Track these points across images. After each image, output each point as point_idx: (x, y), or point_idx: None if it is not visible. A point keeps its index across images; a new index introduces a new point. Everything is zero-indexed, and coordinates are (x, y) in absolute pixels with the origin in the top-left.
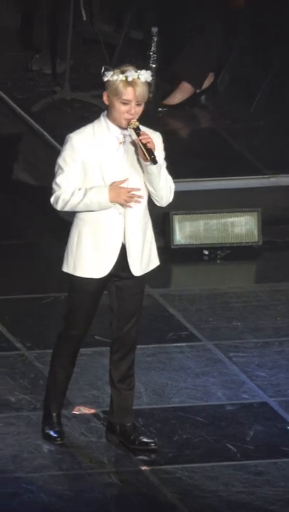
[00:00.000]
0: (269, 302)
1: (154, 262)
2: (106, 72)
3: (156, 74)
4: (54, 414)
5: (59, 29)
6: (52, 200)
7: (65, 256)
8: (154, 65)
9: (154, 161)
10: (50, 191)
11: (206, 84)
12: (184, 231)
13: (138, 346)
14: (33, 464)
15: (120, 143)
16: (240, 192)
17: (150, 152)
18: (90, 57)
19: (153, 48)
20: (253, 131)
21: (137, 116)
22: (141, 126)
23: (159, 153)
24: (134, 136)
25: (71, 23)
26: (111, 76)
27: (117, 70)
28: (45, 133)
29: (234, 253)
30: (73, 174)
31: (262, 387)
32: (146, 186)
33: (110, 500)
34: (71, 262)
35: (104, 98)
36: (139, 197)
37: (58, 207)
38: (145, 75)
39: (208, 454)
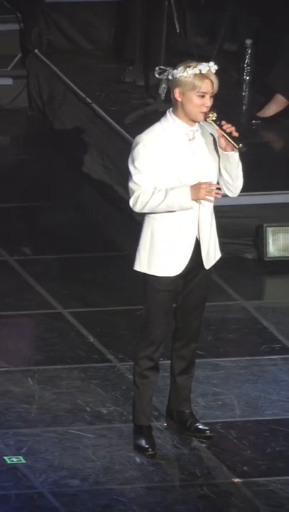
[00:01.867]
0: None
1: (218, 254)
2: (170, 70)
3: (250, 86)
4: (144, 426)
5: (152, 41)
6: (131, 202)
7: (137, 254)
8: (247, 77)
9: (243, 148)
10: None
11: None
12: (278, 243)
13: (231, 359)
14: (124, 476)
15: (190, 139)
16: None
17: (237, 140)
18: None
19: (247, 60)
20: None
21: (209, 108)
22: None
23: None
24: (213, 129)
25: (164, 35)
26: (183, 71)
27: (183, 66)
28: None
29: None
30: (149, 173)
31: None
32: (217, 178)
33: None
34: (144, 260)
35: (177, 95)
36: (218, 190)
37: (137, 208)
38: (214, 66)
39: None
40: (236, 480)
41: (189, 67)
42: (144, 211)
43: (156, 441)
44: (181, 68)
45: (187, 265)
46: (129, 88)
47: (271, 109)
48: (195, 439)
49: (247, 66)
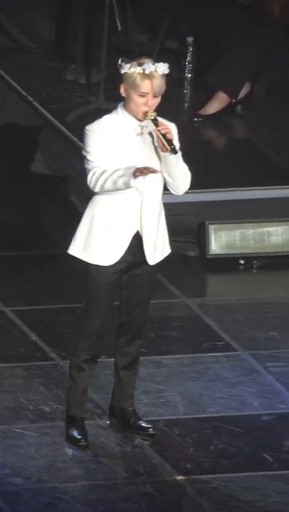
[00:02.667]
0: None
1: (167, 251)
2: (123, 64)
3: (191, 84)
4: (77, 416)
5: (94, 39)
6: (88, 179)
7: (74, 238)
8: (189, 75)
9: (174, 151)
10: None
11: (242, 94)
12: (220, 241)
13: (174, 356)
14: (67, 474)
15: (138, 134)
16: (277, 201)
17: (170, 142)
18: None
19: (188, 58)
20: None
21: (153, 108)
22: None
23: (175, 143)
24: (152, 128)
25: (106, 33)
26: (128, 68)
27: (135, 63)
28: (80, 143)
29: (270, 263)
30: (102, 155)
31: None
32: (163, 176)
33: (146, 510)
34: (79, 244)
35: (122, 90)
36: (155, 171)
37: (92, 184)
38: (162, 68)
39: (245, 464)
40: (179, 477)
41: (141, 64)
42: (97, 189)
43: (100, 439)
44: (129, 64)
45: (129, 259)
46: (70, 86)
47: (213, 107)
48: (138, 436)
49: (188, 64)
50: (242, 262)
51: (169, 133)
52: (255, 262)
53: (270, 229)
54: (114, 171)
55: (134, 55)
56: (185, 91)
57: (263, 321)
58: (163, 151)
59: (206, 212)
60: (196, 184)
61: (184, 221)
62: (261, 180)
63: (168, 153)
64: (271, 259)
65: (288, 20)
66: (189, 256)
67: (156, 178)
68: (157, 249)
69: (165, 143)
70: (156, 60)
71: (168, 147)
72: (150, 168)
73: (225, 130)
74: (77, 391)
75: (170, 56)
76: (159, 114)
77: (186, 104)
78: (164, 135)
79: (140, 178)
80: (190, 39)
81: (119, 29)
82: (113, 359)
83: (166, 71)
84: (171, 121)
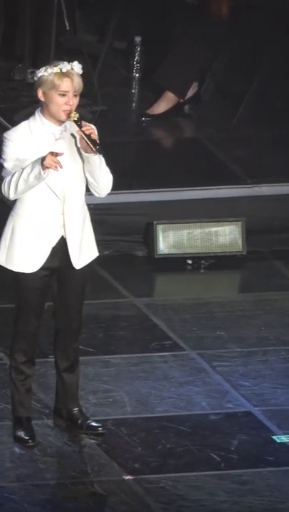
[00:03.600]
0: (253, 312)
1: (94, 254)
2: (36, 71)
3: (139, 83)
4: (23, 417)
5: (42, 39)
6: (2, 187)
7: None
8: (137, 75)
9: (99, 151)
10: None
11: (190, 93)
12: (168, 240)
13: (122, 356)
14: (15, 473)
15: (56, 139)
16: (224, 201)
17: (94, 143)
18: None
19: (136, 58)
20: (236, 141)
21: (74, 108)
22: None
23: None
24: (75, 129)
25: (54, 33)
26: (44, 71)
27: (48, 66)
28: None
29: (218, 263)
30: (18, 163)
31: (246, 397)
32: (85, 179)
33: (94, 509)
34: (3, 252)
35: (40, 95)
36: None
37: (6, 192)
38: (78, 66)
39: (192, 464)
40: (127, 477)
41: (56, 65)
42: (11, 195)
43: (48, 439)
44: (43, 68)
45: (55, 264)
46: (18, 86)
47: (161, 107)
48: (86, 436)
49: (136, 63)
50: (190, 261)
51: (93, 133)
52: (202, 261)
53: (217, 229)
54: (22, 170)
55: (83, 55)
56: (133, 91)
57: (210, 321)
58: (87, 152)
59: (154, 211)
60: (143, 184)
61: (132, 221)
62: (209, 180)
63: (92, 154)
64: (218, 259)
65: (235, 20)
66: (137, 256)
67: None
68: (83, 253)
69: (90, 143)
70: (104, 60)
71: (93, 148)
72: (53, 152)
73: (173, 130)
74: (19, 393)
75: (118, 56)
76: (110, 114)
77: (134, 104)
78: (88, 136)
79: (50, 165)
80: (138, 39)
81: (68, 29)
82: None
83: (81, 71)
84: (120, 121)
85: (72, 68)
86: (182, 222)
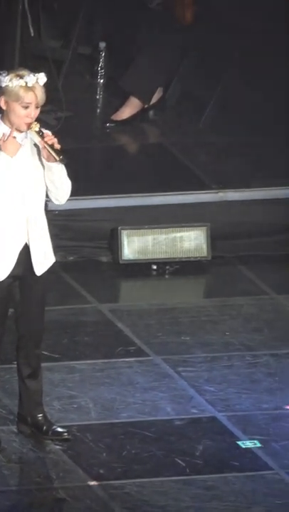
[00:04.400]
0: (218, 317)
1: (51, 259)
2: (2, 78)
3: (104, 89)
4: None
5: (6, 45)
6: None
7: None
8: (101, 81)
9: (63, 161)
10: None
11: (155, 99)
12: (133, 246)
13: (87, 362)
14: None
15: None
16: (189, 207)
17: (58, 152)
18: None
19: (101, 63)
20: (201, 146)
21: (34, 119)
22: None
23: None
24: (37, 139)
25: (18, 39)
26: (9, 81)
27: (13, 75)
28: None
29: (183, 268)
30: None
31: (211, 402)
32: (45, 186)
33: None
34: None
35: (2, 103)
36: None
37: None
38: (43, 78)
39: (157, 469)
40: (92, 483)
41: (18, 76)
42: None
43: (12, 445)
44: (8, 77)
45: (18, 272)
46: None
47: (125, 112)
48: (51, 442)
49: (101, 69)
50: (154, 267)
51: (55, 142)
52: (167, 267)
53: (182, 234)
54: None
55: (48, 60)
56: (98, 96)
57: (175, 326)
58: (49, 160)
59: (119, 217)
60: (108, 190)
61: (97, 226)
62: (174, 185)
63: (56, 163)
64: (183, 265)
65: (199, 26)
66: (102, 261)
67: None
68: (42, 258)
69: (53, 153)
70: (69, 66)
71: (56, 157)
72: (4, 134)
73: (137, 135)
74: None
75: (83, 61)
76: (74, 120)
77: (98, 110)
78: (51, 145)
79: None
80: (102, 45)
81: (32, 35)
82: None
83: (45, 79)
84: (85, 127)
85: (37, 81)
86: (147, 228)
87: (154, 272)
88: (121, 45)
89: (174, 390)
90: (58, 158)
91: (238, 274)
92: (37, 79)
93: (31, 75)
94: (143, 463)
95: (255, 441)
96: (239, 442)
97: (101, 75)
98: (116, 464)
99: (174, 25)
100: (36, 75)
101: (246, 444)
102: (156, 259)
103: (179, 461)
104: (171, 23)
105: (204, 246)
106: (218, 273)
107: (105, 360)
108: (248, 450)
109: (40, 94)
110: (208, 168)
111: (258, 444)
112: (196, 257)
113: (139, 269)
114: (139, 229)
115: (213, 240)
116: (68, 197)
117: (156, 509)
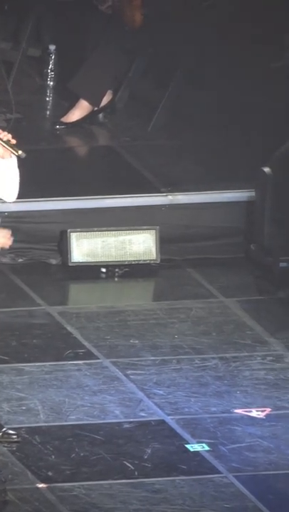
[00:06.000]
0: (167, 320)
1: None
2: None
3: (53, 91)
4: None
5: None
6: None
7: None
8: (51, 83)
9: (22, 154)
10: None
11: (104, 101)
12: (82, 248)
13: (35, 364)
14: None
15: None
16: (139, 210)
17: (14, 147)
18: None
19: (50, 66)
20: (151, 149)
21: None
22: None
23: None
24: None
25: None
26: None
27: None
28: None
29: (132, 271)
30: None
31: (159, 405)
32: None
33: None
34: None
35: None
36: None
37: None
38: None
39: (106, 472)
40: (41, 485)
41: None
42: None
43: None
44: None
45: None
46: None
47: (75, 115)
48: (0, 444)
49: (50, 71)
50: (103, 270)
51: (10, 138)
52: (116, 270)
53: (131, 237)
54: None
55: None
56: (47, 98)
57: (124, 329)
58: (5, 157)
59: (68, 220)
60: (57, 192)
61: (46, 229)
62: (123, 188)
63: (15, 157)
64: (132, 268)
65: (148, 29)
66: (51, 264)
67: None
68: None
69: (11, 149)
70: (19, 68)
71: (15, 152)
72: None
73: (87, 138)
74: None
75: (32, 64)
76: (24, 122)
77: (48, 112)
78: (6, 142)
79: None
80: (52, 47)
81: None
82: None
83: None
84: (34, 129)
85: None
86: (96, 231)
87: (103, 275)
88: (71, 47)
89: (122, 393)
90: (18, 153)
91: (186, 278)
92: None
93: None
94: (91, 465)
95: (204, 445)
96: (187, 445)
97: (51, 77)
98: (64, 467)
99: (123, 28)
100: None
101: (194, 447)
102: (106, 262)
103: (128, 464)
104: (120, 26)
105: (153, 249)
106: (167, 276)
107: (54, 363)
108: (196, 453)
109: None
110: (157, 171)
111: (207, 448)
112: (145, 260)
113: (89, 271)
114: (89, 231)
115: (162, 243)
116: (17, 196)
117: None
